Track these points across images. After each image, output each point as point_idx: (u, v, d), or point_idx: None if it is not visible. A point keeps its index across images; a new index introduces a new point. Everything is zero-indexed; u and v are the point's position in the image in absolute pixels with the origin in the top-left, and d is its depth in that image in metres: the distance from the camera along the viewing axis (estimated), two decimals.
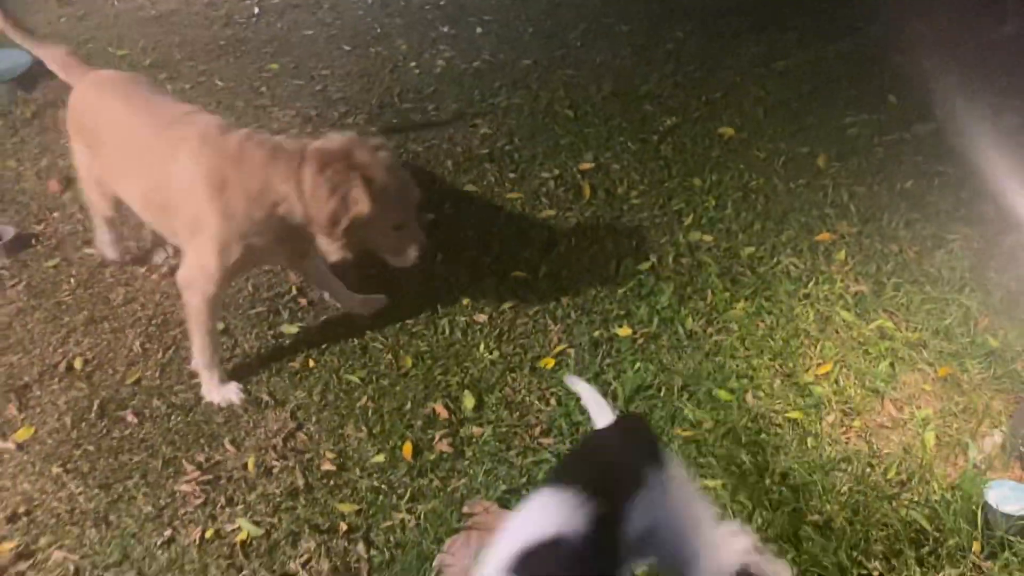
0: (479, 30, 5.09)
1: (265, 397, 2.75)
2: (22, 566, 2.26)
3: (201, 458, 2.55)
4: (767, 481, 2.40)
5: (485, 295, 3.08)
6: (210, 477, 2.50)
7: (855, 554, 2.21)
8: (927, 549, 2.16)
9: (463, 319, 3.01)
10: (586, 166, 3.81)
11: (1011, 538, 2.13)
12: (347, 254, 2.55)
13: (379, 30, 5.11)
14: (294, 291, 3.15)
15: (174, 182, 2.51)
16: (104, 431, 2.66)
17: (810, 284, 3.08)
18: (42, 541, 2.33)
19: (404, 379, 2.80)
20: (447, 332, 2.97)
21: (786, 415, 2.61)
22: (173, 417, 2.70)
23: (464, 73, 4.61)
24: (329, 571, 2.24)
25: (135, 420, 2.69)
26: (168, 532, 2.35)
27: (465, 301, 3.07)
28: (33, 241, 3.44)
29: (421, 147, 3.99)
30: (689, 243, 3.30)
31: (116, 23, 5.26)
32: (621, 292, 3.09)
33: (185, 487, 2.46)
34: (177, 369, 2.86)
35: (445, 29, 5.10)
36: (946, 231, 3.26)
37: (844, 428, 2.59)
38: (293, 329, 3.00)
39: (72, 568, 2.25)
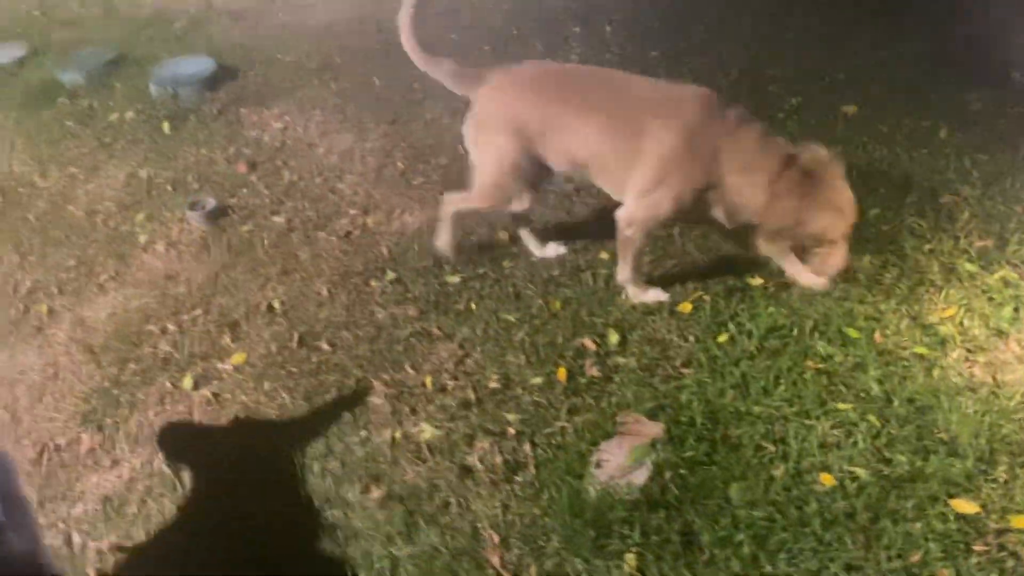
0: (608, 28, 5.44)
1: (435, 331, 3.15)
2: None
3: (386, 377, 2.97)
4: (894, 403, 2.63)
5: None
6: (395, 392, 2.91)
7: (982, 466, 2.41)
8: None
9: (604, 271, 3.33)
10: None
11: None
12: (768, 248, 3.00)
13: (515, 32, 5.53)
14: None
15: (646, 149, 2.82)
16: (304, 357, 3.11)
17: (934, 240, 3.27)
18: (260, 440, 2.78)
19: (554, 319, 3.15)
20: (591, 283, 3.30)
21: (912, 351, 2.82)
22: (360, 346, 3.13)
23: (596, 64, 4.96)
24: (501, 464, 2.60)
25: (328, 348, 3.14)
26: (363, 433, 2.76)
27: (604, 255, 3.40)
28: (228, 211, 3.98)
29: None
30: None
31: (282, 33, 5.88)
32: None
33: (375, 399, 2.89)
34: (360, 308, 3.30)
35: (576, 29, 5.47)
36: None
37: (969, 363, 2.78)
38: (455, 279, 3.40)
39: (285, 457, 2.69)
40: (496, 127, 3.01)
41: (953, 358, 2.79)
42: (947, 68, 4.39)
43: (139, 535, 2.55)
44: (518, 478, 2.57)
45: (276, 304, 3.37)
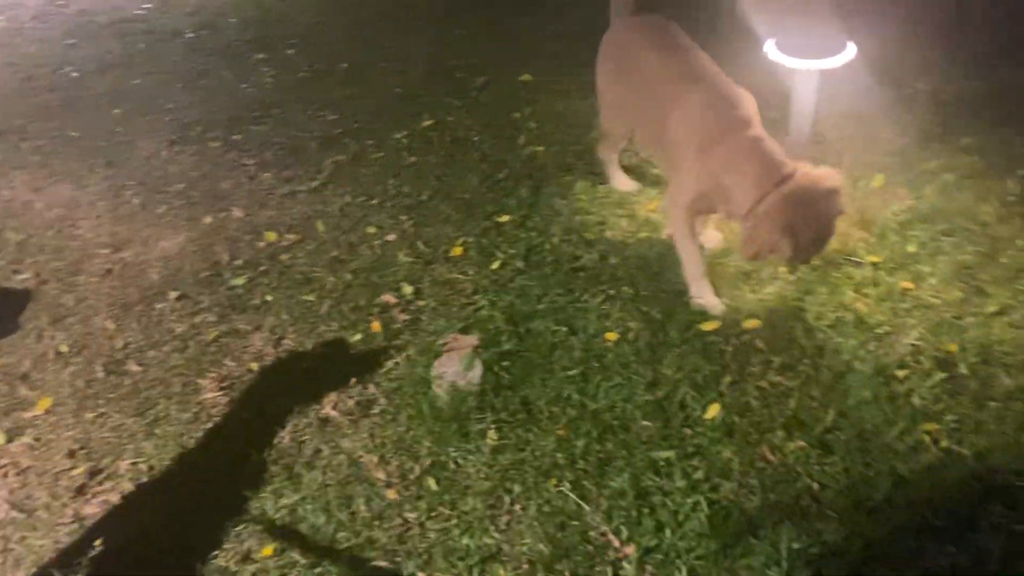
0: (291, 51, 5.81)
1: (241, 327, 3.35)
2: None
3: (212, 375, 3.13)
4: (640, 277, 3.36)
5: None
6: (227, 384, 3.08)
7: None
8: None
9: (377, 242, 3.74)
10: (428, 123, 4.66)
11: None
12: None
13: (201, 67, 5.69)
14: None
15: (675, 128, 2.97)
16: (117, 382, 3.15)
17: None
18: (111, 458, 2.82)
19: (350, 289, 3.49)
20: (370, 253, 3.70)
21: (638, 236, 3.58)
22: (171, 358, 3.23)
23: (294, 83, 5.33)
24: (354, 406, 2.92)
25: (140, 368, 3.21)
26: (209, 425, 2.91)
27: (371, 230, 3.80)
28: None
29: (284, 137, 4.67)
30: (526, 153, 4.23)
31: None
32: (489, 185, 3.96)
33: (208, 395, 3.04)
34: (156, 328, 3.37)
35: (261, 56, 5.77)
36: None
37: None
38: (241, 280, 3.59)
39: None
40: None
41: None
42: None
43: None
44: (374, 411, 2.90)
45: (64, 348, 3.32)
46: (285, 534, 2.50)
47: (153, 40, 6.27)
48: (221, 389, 3.06)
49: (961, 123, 4.05)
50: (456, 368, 2.95)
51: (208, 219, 4.04)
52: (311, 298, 3.46)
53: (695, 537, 2.36)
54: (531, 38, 5.57)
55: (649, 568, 2.31)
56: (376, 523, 2.52)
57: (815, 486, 2.46)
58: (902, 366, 2.81)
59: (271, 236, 3.85)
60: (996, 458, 2.46)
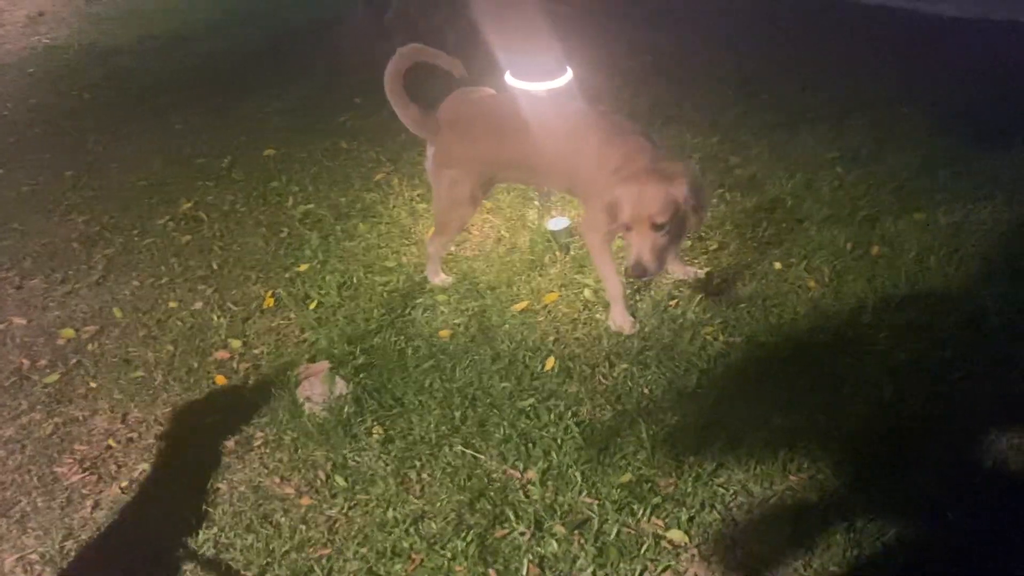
0: (0, 171, 5.57)
1: (76, 412, 3.30)
2: None
3: (67, 462, 3.07)
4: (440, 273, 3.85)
5: None
6: (89, 461, 3.06)
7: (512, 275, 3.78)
8: None
9: (186, 313, 3.86)
10: (187, 205, 4.81)
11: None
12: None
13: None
14: None
15: (582, 165, 3.15)
16: None
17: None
18: None
19: (174, 357, 3.58)
20: (182, 325, 3.80)
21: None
22: (10, 460, 3.11)
23: (22, 196, 5.15)
24: (234, 444, 3.06)
25: None
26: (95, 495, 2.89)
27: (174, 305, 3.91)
28: None
29: (37, 246, 4.53)
30: (299, 212, 4.57)
31: None
32: (275, 244, 4.23)
33: (70, 479, 3.00)
34: None
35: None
36: None
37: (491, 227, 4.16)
38: (54, 377, 3.52)
39: None
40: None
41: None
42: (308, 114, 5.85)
43: None
44: (256, 443, 3.07)
45: None
46: (216, 563, 2.60)
47: None
48: (85, 470, 3.02)
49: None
50: (320, 389, 3.22)
51: None
52: (140, 374, 3.49)
53: (576, 451, 2.87)
54: (258, 117, 5.90)
55: (551, 483, 2.77)
56: (303, 527, 2.71)
57: (646, 391, 3.11)
58: (672, 297, 3.59)
59: (69, 332, 3.79)
60: (761, 339, 3.30)
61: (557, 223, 4.02)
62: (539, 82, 3.86)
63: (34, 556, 2.70)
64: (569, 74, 3.89)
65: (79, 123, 6.26)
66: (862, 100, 5.29)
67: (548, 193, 4.23)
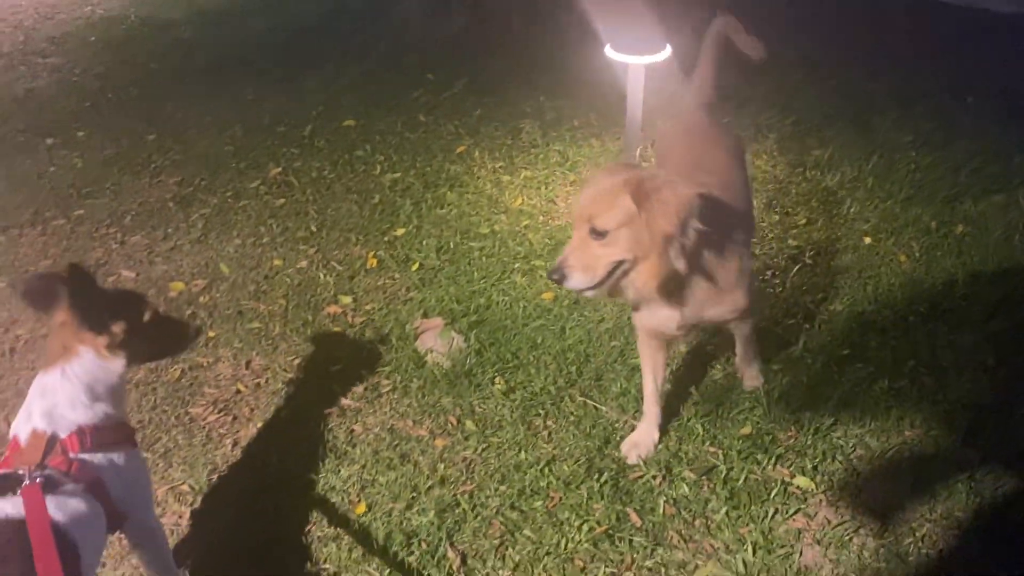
0: (81, 134, 5.70)
1: (203, 361, 3.45)
2: None
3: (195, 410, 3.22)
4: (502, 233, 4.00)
5: None
6: (222, 405, 3.20)
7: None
8: None
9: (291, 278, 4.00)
10: (276, 171, 4.94)
11: None
12: None
13: None
14: None
15: None
16: None
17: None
18: None
19: (287, 312, 3.73)
20: (295, 283, 3.94)
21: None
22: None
23: (107, 159, 5.28)
24: (364, 391, 3.21)
25: None
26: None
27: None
28: None
29: (133, 205, 4.67)
30: (388, 180, 4.71)
31: None
32: (368, 210, 4.37)
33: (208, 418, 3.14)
34: None
35: (51, 141, 5.61)
36: None
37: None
38: None
39: None
40: None
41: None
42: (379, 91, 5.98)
43: None
44: (383, 391, 3.21)
45: None
46: (364, 494, 2.75)
47: None
48: (219, 412, 3.17)
49: None
50: (438, 343, 3.37)
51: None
52: (256, 325, 3.63)
53: (693, 406, 3.02)
54: (327, 90, 6.03)
55: (673, 434, 2.92)
56: (441, 465, 2.86)
57: None
58: (768, 268, 3.73)
59: (178, 286, 3.93)
60: (860, 308, 3.44)
61: None
62: (639, 56, 3.99)
63: (184, 487, 2.85)
64: (668, 50, 4.02)
65: (150, 91, 6.38)
66: (926, 89, 5.42)
67: (639, 164, 4.36)
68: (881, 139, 4.79)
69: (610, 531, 2.57)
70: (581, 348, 3.32)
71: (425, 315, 3.57)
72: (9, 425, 2.03)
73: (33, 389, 2.01)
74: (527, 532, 2.58)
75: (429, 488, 2.77)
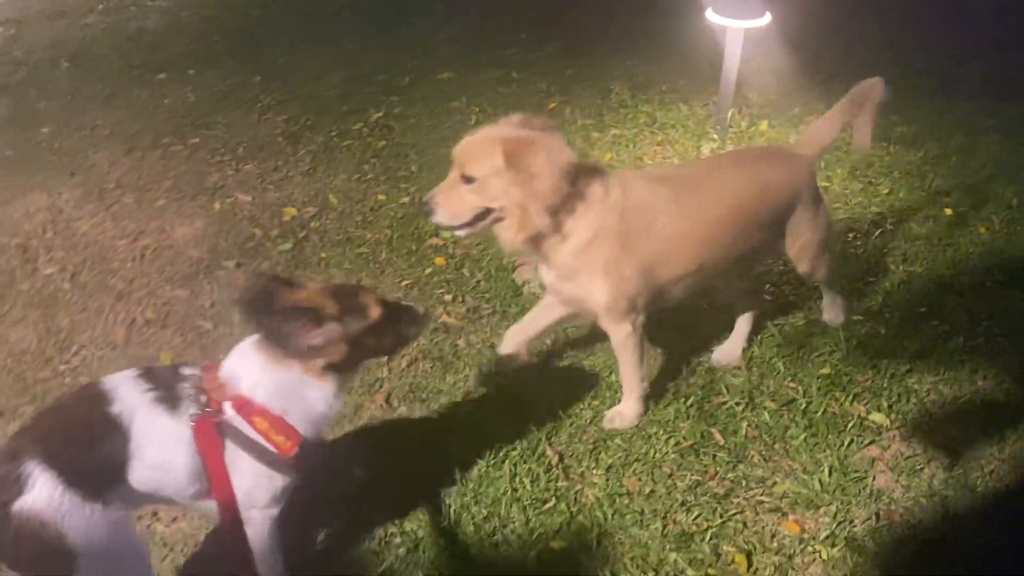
0: (192, 71, 6.04)
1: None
2: None
3: None
4: None
5: None
6: None
7: None
8: None
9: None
10: (377, 115, 5.22)
11: None
12: None
13: (107, 90, 5.77)
14: None
15: None
16: None
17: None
18: None
19: (392, 240, 4.00)
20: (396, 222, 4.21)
21: None
22: None
23: (217, 95, 5.61)
24: (465, 312, 3.47)
25: None
26: None
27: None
28: None
29: (244, 137, 4.99)
30: None
31: None
32: None
33: None
34: None
35: (163, 76, 5.95)
36: None
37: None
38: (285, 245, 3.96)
39: None
40: None
41: None
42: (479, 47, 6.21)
43: None
44: (483, 314, 3.47)
45: (150, 315, 3.52)
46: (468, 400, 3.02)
47: (28, 69, 6.16)
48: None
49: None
50: (535, 276, 3.61)
51: (216, 206, 4.31)
52: (364, 250, 3.92)
53: (775, 347, 3.22)
54: (427, 43, 6.29)
55: (755, 369, 3.13)
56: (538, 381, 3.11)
57: None
58: (850, 230, 3.90)
59: (291, 211, 4.23)
60: (938, 271, 3.60)
61: None
62: (739, 20, 4.16)
63: None
64: (768, 17, 4.18)
65: (254, 36, 6.71)
66: (1011, 77, 5.48)
67: (727, 129, 4.55)
68: (964, 120, 4.89)
69: (695, 446, 2.79)
70: None
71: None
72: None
73: (252, 348, 1.97)
74: (618, 441, 2.82)
75: (521, 394, 3.01)
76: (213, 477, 1.89)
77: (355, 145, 4.89)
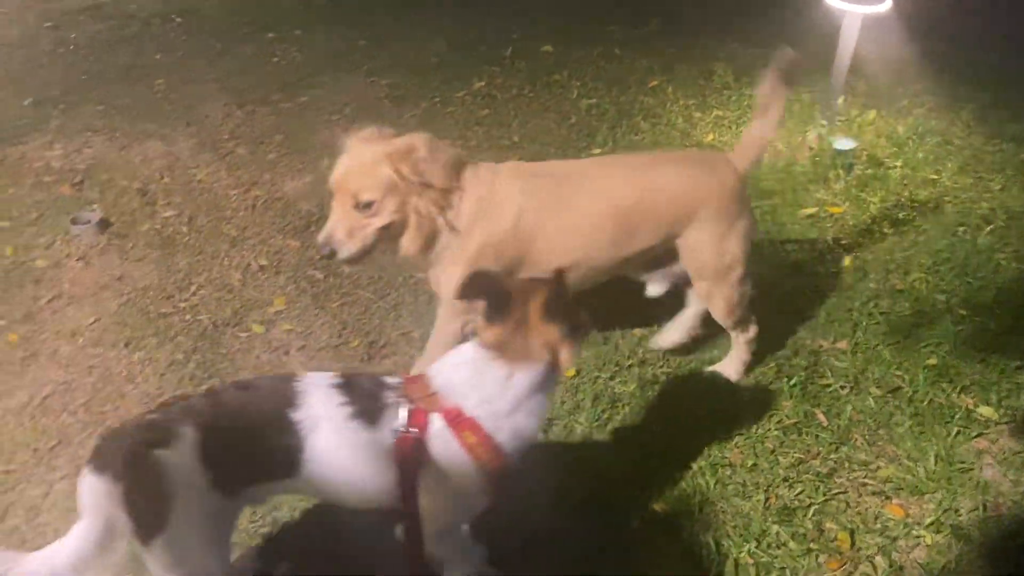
0: (298, 32, 6.17)
1: None
2: None
3: None
4: None
5: None
6: None
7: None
8: None
9: None
10: (479, 84, 5.29)
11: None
12: None
13: (218, 46, 5.94)
14: None
15: None
16: (335, 285, 3.54)
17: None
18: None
19: None
20: None
21: None
22: None
23: (323, 56, 5.74)
24: None
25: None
26: None
27: None
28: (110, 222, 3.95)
29: (349, 98, 5.10)
30: (585, 105, 4.97)
31: None
32: (566, 128, 4.64)
33: None
34: None
35: (271, 35, 6.11)
36: None
37: None
38: None
39: None
40: None
41: None
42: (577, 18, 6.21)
43: None
44: None
45: (263, 261, 3.65)
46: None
47: (140, 23, 6.39)
48: None
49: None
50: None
51: (325, 162, 4.42)
52: None
53: (881, 335, 3.20)
54: (532, 14, 6.33)
55: (860, 355, 3.11)
56: (640, 350, 3.15)
57: (940, 297, 3.39)
58: (960, 224, 3.83)
59: None
60: None
61: (844, 143, 4.28)
62: (858, 4, 4.09)
63: (415, 335, 3.23)
64: (889, 2, 4.10)
65: (359, 1, 6.81)
66: None
67: (835, 116, 4.49)
68: None
69: (798, 425, 2.80)
70: (774, 272, 3.53)
71: None
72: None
73: (475, 356, 1.83)
74: (721, 415, 2.85)
75: (630, 366, 3.06)
76: (404, 492, 1.80)
77: (458, 112, 4.96)
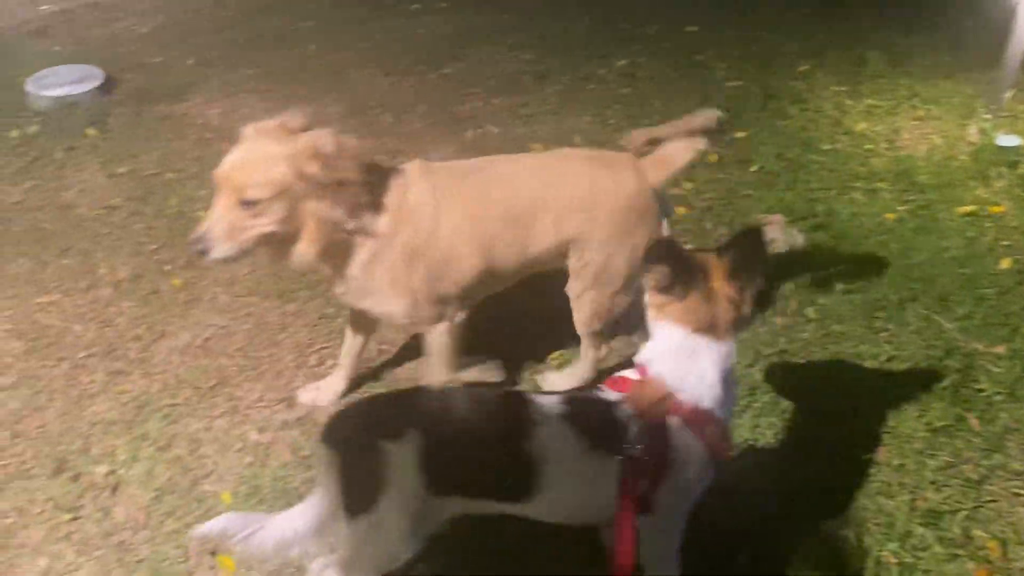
0: (444, 4, 6.27)
1: None
2: None
3: None
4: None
5: None
6: None
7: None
8: None
9: None
10: (622, 63, 5.25)
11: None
12: None
13: (362, 15, 6.11)
14: None
15: None
16: None
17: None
18: None
19: None
20: None
21: None
22: None
23: (467, 29, 5.82)
24: None
25: None
26: None
27: None
28: None
29: (493, 71, 5.16)
30: (729, 87, 4.86)
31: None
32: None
33: None
34: None
35: (417, 7, 6.24)
36: None
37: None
38: None
39: None
40: None
41: None
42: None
43: None
44: None
45: None
46: None
47: None
48: None
49: None
50: (781, 236, 3.56)
51: (468, 134, 4.52)
52: None
53: None
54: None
55: (1020, 361, 2.95)
56: (781, 339, 3.09)
57: None
58: None
59: (537, 147, 4.35)
60: None
61: (1008, 140, 4.05)
62: None
63: None
64: None
65: None
66: None
67: (999, 110, 4.24)
68: None
69: (948, 427, 2.69)
70: (926, 268, 3.39)
71: (768, 210, 3.76)
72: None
73: (686, 340, 1.76)
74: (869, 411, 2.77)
75: (770, 354, 3.01)
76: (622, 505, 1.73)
77: (599, 89, 4.96)
